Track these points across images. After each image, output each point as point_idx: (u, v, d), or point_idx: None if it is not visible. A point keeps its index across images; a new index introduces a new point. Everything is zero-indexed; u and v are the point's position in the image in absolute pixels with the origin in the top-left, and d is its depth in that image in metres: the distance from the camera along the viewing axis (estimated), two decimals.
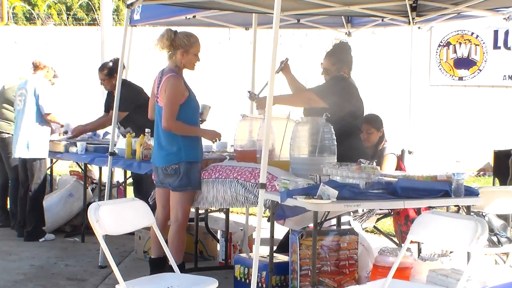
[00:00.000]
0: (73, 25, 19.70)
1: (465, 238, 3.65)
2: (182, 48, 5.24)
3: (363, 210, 5.52)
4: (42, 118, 7.16)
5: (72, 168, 10.07)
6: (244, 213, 7.43)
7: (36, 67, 7.36)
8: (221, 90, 12.25)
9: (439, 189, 4.55)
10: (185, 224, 5.36)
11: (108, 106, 7.56)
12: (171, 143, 5.25)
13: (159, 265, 5.33)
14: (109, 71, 7.31)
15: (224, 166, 5.35)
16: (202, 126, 5.80)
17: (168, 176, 5.28)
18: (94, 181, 7.91)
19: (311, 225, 4.57)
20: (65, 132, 7.87)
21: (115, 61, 7.29)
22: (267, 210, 4.70)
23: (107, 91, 7.62)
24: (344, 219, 5.57)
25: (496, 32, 12.97)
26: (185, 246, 5.55)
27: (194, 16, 7.70)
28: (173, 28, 5.37)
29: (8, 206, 7.89)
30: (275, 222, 4.68)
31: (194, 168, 5.28)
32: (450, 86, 13.19)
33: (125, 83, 7.15)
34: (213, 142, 5.61)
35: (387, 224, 7.46)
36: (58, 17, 22.35)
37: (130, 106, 6.97)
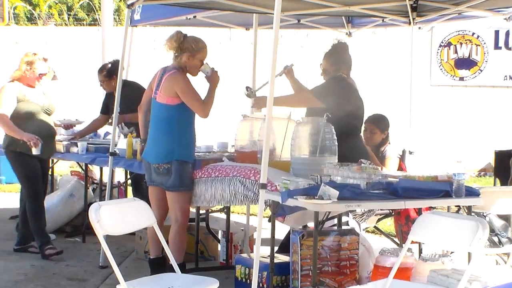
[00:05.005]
0: (74, 25, 19.70)
1: (466, 238, 3.65)
2: (189, 52, 5.28)
3: (362, 210, 5.53)
4: None
5: (73, 168, 10.07)
6: (245, 213, 7.43)
7: None
8: (221, 90, 12.26)
9: (440, 189, 4.56)
10: (185, 224, 5.37)
11: (106, 108, 7.54)
12: (165, 141, 5.27)
13: (159, 265, 5.35)
14: (108, 73, 7.30)
15: (224, 166, 5.36)
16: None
17: (160, 175, 5.30)
18: (95, 181, 7.90)
19: (312, 225, 4.58)
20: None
21: (114, 63, 7.28)
22: (268, 208, 4.70)
23: (106, 93, 7.61)
24: (343, 219, 5.57)
25: (497, 32, 12.97)
26: (186, 246, 5.55)
27: (194, 16, 7.70)
28: (176, 29, 5.38)
29: None
30: (276, 221, 4.68)
31: (185, 168, 5.29)
32: (451, 87, 13.19)
33: (127, 84, 7.14)
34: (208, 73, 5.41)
35: (388, 225, 7.47)
36: (59, 17, 22.35)
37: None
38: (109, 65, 7.37)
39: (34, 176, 6.50)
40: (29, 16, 22.00)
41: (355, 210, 5.37)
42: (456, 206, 4.98)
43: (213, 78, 5.40)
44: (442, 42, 13.11)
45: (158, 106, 5.32)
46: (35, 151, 6.29)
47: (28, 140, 6.27)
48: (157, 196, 5.42)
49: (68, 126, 7.58)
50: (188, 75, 5.38)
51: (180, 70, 5.30)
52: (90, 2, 20.62)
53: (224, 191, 5.16)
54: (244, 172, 5.08)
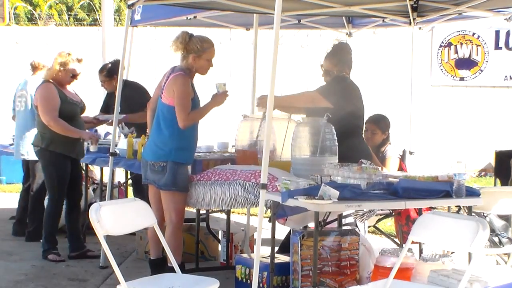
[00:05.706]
0: (74, 25, 19.70)
1: (466, 238, 3.65)
2: (195, 53, 5.24)
3: (363, 210, 5.52)
4: None
5: None
6: (245, 214, 7.43)
7: (35, 68, 7.33)
8: None
9: (440, 189, 4.55)
10: (180, 224, 5.35)
11: (107, 106, 7.53)
12: (165, 141, 5.26)
13: (158, 266, 5.34)
14: (108, 73, 7.30)
15: (224, 170, 5.35)
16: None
17: (154, 172, 5.29)
18: (95, 182, 7.91)
19: (312, 225, 4.58)
20: None
21: (114, 63, 7.28)
22: (268, 210, 4.70)
23: (107, 92, 7.61)
24: (349, 220, 5.56)
25: (497, 32, 12.98)
26: (186, 246, 5.55)
27: (195, 17, 7.70)
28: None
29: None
30: (276, 222, 4.68)
31: (181, 170, 5.27)
32: (451, 87, 13.19)
33: (128, 84, 7.14)
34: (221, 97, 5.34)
35: (388, 225, 7.47)
36: (59, 17, 22.35)
37: (140, 105, 6.98)
38: (109, 65, 7.37)
39: (63, 180, 6.44)
40: (29, 16, 22.00)
41: (361, 210, 5.37)
42: (456, 206, 4.97)
43: (217, 98, 5.34)
44: (442, 42, 13.11)
45: (161, 106, 5.31)
46: (93, 148, 6.36)
47: (90, 138, 6.29)
48: (156, 197, 5.41)
49: (101, 122, 7.49)
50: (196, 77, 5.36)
51: (186, 72, 5.26)
52: (91, 2, 20.63)
53: (224, 194, 5.15)
54: (244, 175, 5.07)
